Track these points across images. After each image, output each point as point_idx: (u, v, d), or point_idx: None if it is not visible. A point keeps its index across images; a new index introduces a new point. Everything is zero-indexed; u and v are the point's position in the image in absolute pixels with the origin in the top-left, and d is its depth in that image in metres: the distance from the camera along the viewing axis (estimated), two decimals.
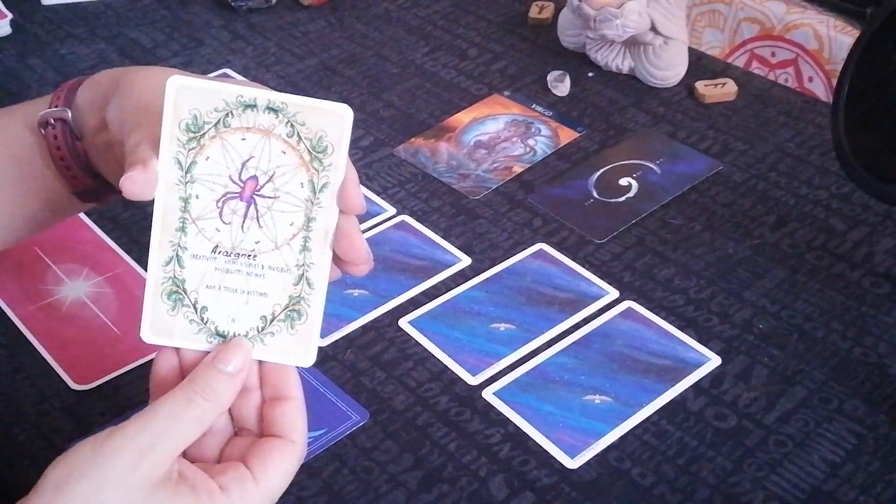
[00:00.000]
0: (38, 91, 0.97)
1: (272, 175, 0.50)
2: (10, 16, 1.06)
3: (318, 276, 0.50)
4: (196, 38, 1.05)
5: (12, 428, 0.65)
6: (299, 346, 0.50)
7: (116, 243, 0.78)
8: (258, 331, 0.50)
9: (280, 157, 0.49)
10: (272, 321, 0.50)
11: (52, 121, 0.58)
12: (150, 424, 0.47)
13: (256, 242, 0.50)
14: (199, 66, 1.00)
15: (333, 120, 0.49)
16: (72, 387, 0.67)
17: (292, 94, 0.50)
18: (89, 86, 0.59)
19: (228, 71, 0.99)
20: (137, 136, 0.52)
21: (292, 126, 0.49)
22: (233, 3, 1.09)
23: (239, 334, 0.50)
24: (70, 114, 0.58)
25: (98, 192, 0.60)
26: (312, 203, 0.50)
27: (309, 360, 0.50)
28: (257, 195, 0.50)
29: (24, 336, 0.71)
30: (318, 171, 0.49)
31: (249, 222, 0.50)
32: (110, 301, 0.72)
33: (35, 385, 0.67)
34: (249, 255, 0.50)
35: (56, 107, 0.59)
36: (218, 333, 0.50)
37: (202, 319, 0.50)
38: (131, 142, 0.52)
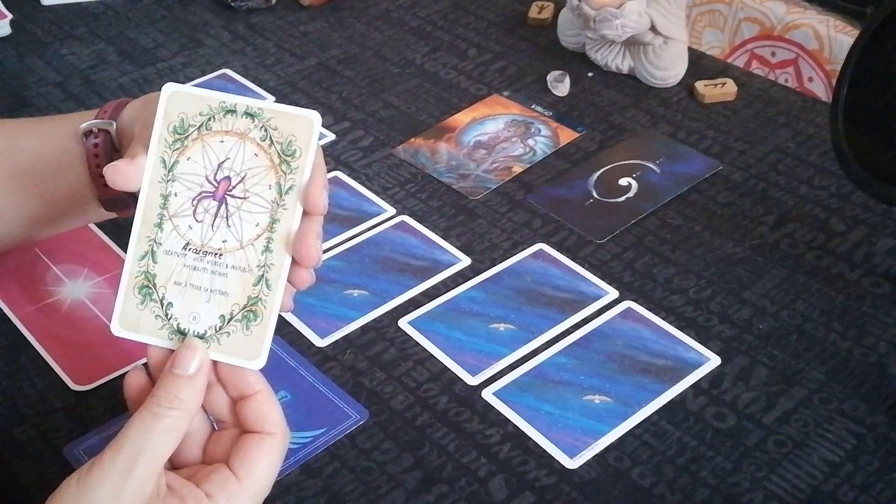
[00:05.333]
0: (38, 91, 0.97)
1: (244, 176, 0.52)
2: (10, 16, 1.06)
3: (277, 278, 0.51)
4: (196, 38, 1.05)
5: (12, 428, 0.65)
6: (252, 348, 0.51)
7: (116, 244, 0.78)
8: (216, 330, 0.51)
9: (253, 159, 0.52)
10: (229, 321, 0.51)
11: (96, 131, 0.62)
12: (123, 448, 0.48)
13: (224, 241, 0.52)
14: (199, 66, 1.00)
15: (303, 125, 0.51)
16: (72, 387, 0.67)
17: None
18: (136, 104, 0.62)
19: (228, 71, 0.99)
20: (138, 137, 0.55)
21: (266, 130, 0.52)
22: (233, 4, 1.09)
23: (198, 332, 0.51)
24: (115, 126, 0.62)
25: (123, 203, 0.64)
26: (278, 205, 0.51)
27: (259, 362, 0.51)
28: (229, 195, 0.52)
29: (24, 336, 0.71)
30: (285, 174, 0.51)
31: (219, 221, 0.52)
32: (110, 302, 0.72)
33: (35, 385, 0.67)
34: (216, 254, 0.52)
35: (102, 119, 0.62)
36: (179, 330, 0.52)
37: (166, 315, 0.52)
38: (133, 142, 0.56)
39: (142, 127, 0.56)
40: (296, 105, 0.52)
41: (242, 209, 0.51)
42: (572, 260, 0.77)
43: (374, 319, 0.72)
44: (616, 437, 0.64)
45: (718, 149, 0.88)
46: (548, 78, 0.97)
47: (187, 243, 0.52)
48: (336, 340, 0.71)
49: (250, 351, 0.51)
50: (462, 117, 0.93)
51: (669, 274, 0.76)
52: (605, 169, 0.86)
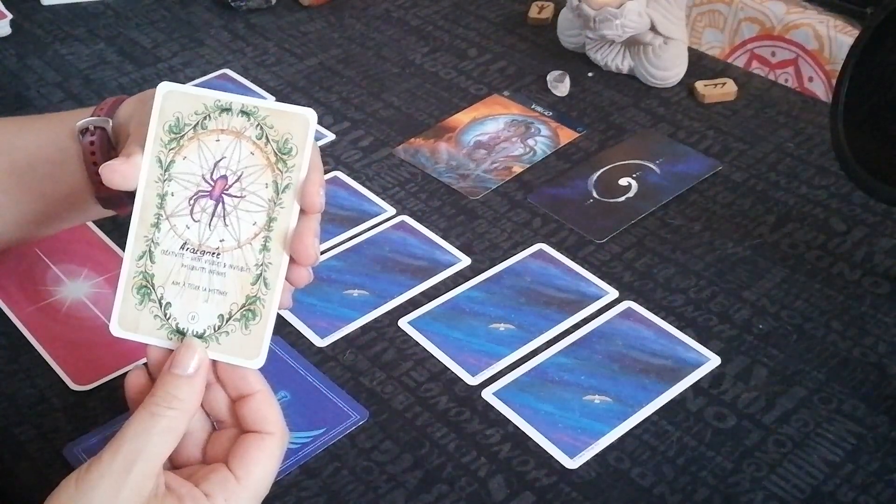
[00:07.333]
0: (38, 91, 0.97)
1: (240, 175, 0.52)
2: (10, 16, 1.06)
3: (275, 277, 0.51)
4: (196, 38, 1.05)
5: (12, 428, 0.65)
6: (251, 347, 0.51)
7: (116, 244, 0.78)
8: (215, 329, 0.51)
9: (249, 158, 0.52)
10: (228, 320, 0.51)
11: (92, 128, 0.62)
12: (122, 448, 0.48)
13: (221, 241, 0.52)
14: (199, 66, 1.00)
15: (299, 123, 0.51)
16: (72, 387, 0.67)
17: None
18: (132, 101, 0.62)
19: (228, 71, 0.99)
20: (134, 136, 0.55)
21: (262, 129, 0.52)
22: (233, 4, 1.09)
23: (196, 332, 0.51)
24: (111, 124, 0.62)
25: (120, 201, 0.63)
26: (275, 203, 0.51)
27: (259, 361, 0.51)
28: (225, 194, 0.52)
29: (24, 336, 0.71)
30: (282, 173, 0.51)
31: (216, 220, 0.52)
32: (110, 302, 0.72)
33: (35, 385, 0.67)
34: (213, 253, 0.52)
35: (98, 116, 0.62)
36: (178, 330, 0.52)
37: (165, 315, 0.52)
38: (128, 140, 0.56)
39: (137, 125, 0.56)
40: (296, 105, 0.52)
41: (239, 208, 0.51)
42: (572, 260, 0.77)
43: (374, 319, 0.72)
44: (616, 437, 0.64)
45: (718, 149, 0.88)
46: (548, 78, 0.97)
47: (185, 243, 0.52)
48: (336, 340, 0.71)
49: (249, 350, 0.51)
50: (462, 117, 0.93)
51: (669, 274, 0.76)
52: (605, 169, 0.86)
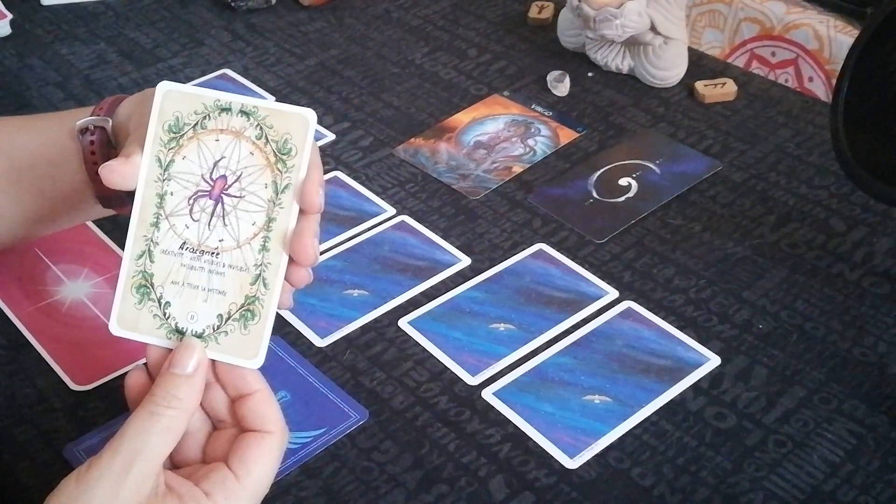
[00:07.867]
0: (38, 91, 0.97)
1: (240, 175, 0.52)
2: (10, 16, 1.06)
3: (274, 277, 0.51)
4: (196, 38, 1.05)
5: (12, 428, 0.65)
6: (250, 347, 0.51)
7: (116, 244, 0.78)
8: (214, 329, 0.51)
9: (248, 158, 0.52)
10: (227, 320, 0.51)
11: (92, 128, 0.62)
12: (121, 447, 0.48)
13: (220, 240, 0.52)
14: (199, 66, 1.00)
15: (298, 122, 0.51)
16: (72, 387, 0.67)
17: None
18: (132, 100, 0.62)
19: (228, 71, 0.99)
20: (133, 136, 0.55)
21: (261, 129, 0.52)
22: (233, 4, 1.09)
23: (196, 332, 0.51)
24: (110, 123, 0.62)
25: (120, 201, 0.63)
26: (274, 203, 0.51)
27: (258, 361, 0.51)
28: (225, 194, 0.52)
29: (24, 336, 0.71)
30: (281, 173, 0.51)
31: (216, 220, 0.52)
32: (110, 301, 0.72)
33: (35, 385, 0.67)
34: (213, 253, 0.52)
35: (98, 115, 0.62)
36: (177, 330, 0.52)
37: (164, 315, 0.52)
38: (127, 140, 0.56)
39: (137, 125, 0.56)
40: (295, 105, 0.52)
41: (239, 208, 0.52)
42: (572, 260, 0.77)
43: (374, 319, 0.72)
44: (616, 437, 0.64)
45: (718, 149, 0.88)
46: (548, 78, 0.97)
47: (184, 242, 0.52)
48: (336, 340, 0.71)
49: (248, 350, 0.51)
50: (462, 117, 0.93)
51: (669, 274, 0.76)
52: (605, 169, 0.86)
